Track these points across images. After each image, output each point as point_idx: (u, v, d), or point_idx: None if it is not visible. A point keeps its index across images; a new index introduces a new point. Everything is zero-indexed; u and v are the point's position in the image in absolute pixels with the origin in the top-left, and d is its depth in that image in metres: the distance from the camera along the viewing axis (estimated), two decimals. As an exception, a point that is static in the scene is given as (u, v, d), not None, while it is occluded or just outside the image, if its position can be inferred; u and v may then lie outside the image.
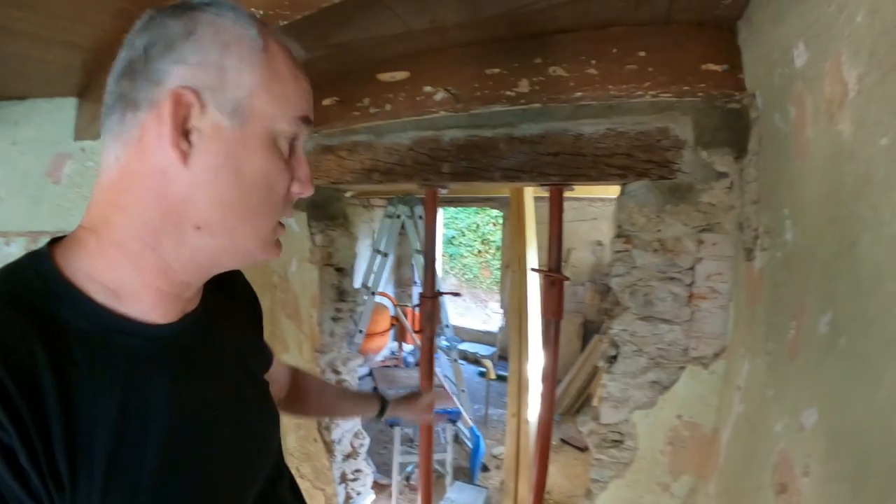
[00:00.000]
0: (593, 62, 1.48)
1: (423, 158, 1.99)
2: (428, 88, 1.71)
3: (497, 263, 14.44)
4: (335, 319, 2.54)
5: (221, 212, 0.65)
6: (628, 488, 1.82)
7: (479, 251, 15.01)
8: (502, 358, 8.42)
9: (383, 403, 1.44)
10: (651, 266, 1.67)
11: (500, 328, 9.00)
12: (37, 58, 1.80)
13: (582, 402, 6.18)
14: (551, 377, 2.17)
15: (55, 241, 0.67)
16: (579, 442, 5.55)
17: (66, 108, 2.36)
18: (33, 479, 0.53)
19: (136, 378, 0.64)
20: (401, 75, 1.77)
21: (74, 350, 0.60)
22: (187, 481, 0.67)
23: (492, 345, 9.12)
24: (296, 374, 1.26)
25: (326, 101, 1.99)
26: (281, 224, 0.73)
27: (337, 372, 2.63)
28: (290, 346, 2.64)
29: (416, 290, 9.44)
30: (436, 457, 5.05)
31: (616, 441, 1.81)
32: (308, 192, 0.74)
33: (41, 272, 0.63)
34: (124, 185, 0.65)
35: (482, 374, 7.34)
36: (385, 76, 1.80)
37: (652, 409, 1.74)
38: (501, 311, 9.39)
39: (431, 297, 2.26)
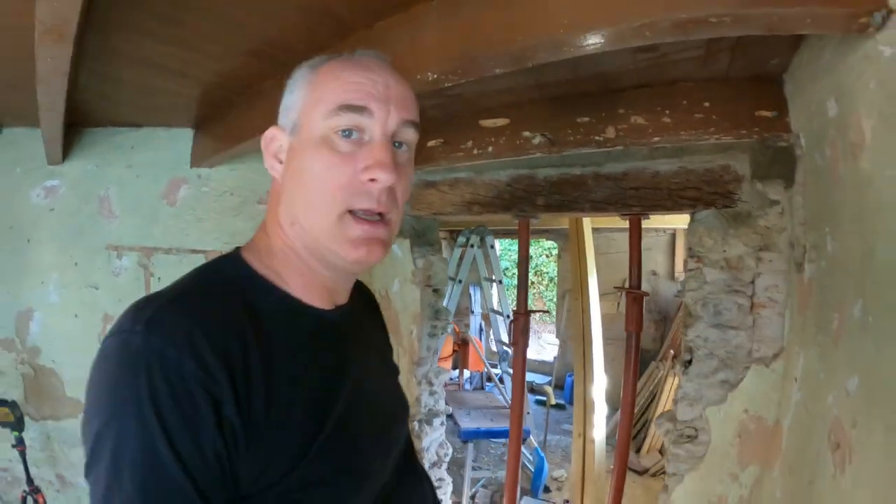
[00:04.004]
0: (667, 112, 1.80)
1: (519, 193, 2.34)
2: (526, 133, 2.05)
3: (550, 294, 14.54)
4: (431, 335, 2.88)
5: (298, 206, 0.80)
6: (702, 480, 2.00)
7: (533, 282, 15.13)
8: (557, 387, 8.50)
9: None
10: (719, 281, 1.93)
11: (555, 358, 9.05)
12: (155, 86, 2.00)
13: (639, 429, 6.27)
14: (631, 388, 2.40)
15: (238, 248, 0.86)
16: (637, 466, 5.66)
17: (182, 138, 2.63)
18: (235, 423, 0.66)
19: (313, 347, 0.81)
20: (501, 122, 2.12)
21: (268, 325, 0.75)
22: (352, 428, 0.82)
23: (547, 374, 9.18)
24: None
25: (431, 143, 2.33)
26: (362, 222, 0.78)
27: (430, 383, 2.95)
28: (389, 358, 2.94)
29: (473, 319, 9.63)
30: (499, 474, 5.28)
31: (690, 436, 2.02)
32: (380, 176, 0.76)
33: (238, 268, 0.81)
34: (269, 204, 0.88)
35: (539, 403, 7.47)
36: (487, 122, 2.15)
37: (722, 405, 1.95)
38: (557, 340, 9.49)
39: (524, 314, 2.61)
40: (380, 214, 0.80)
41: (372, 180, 0.77)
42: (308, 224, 0.80)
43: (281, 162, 0.85)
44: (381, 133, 0.78)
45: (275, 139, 0.86)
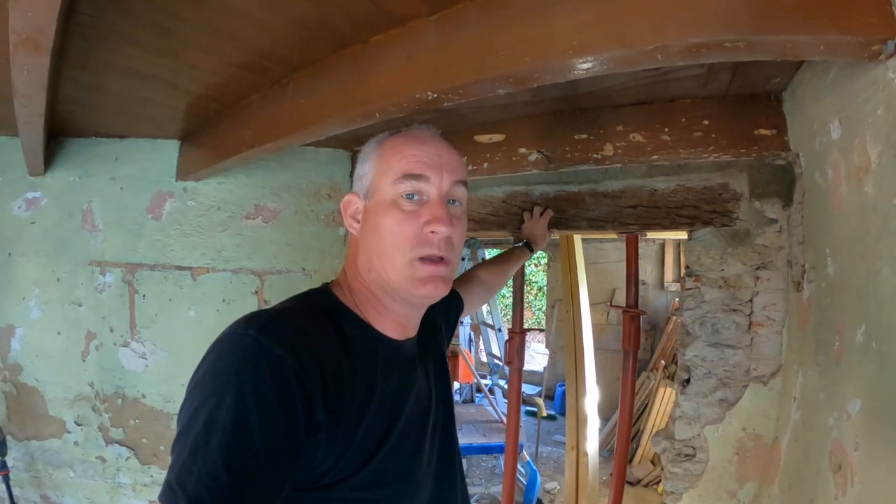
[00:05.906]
0: (667, 130, 1.80)
1: (514, 210, 2.31)
2: (523, 150, 2.04)
3: (539, 304, 14.54)
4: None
5: (375, 254, 0.97)
6: (700, 497, 2.01)
7: (521, 292, 15.06)
8: (547, 397, 8.45)
9: (529, 245, 2.07)
10: (717, 300, 1.94)
11: (545, 368, 8.98)
12: (142, 97, 1.94)
13: (630, 438, 6.25)
14: (629, 405, 2.40)
15: (327, 284, 1.05)
16: (630, 476, 5.65)
17: (167, 150, 2.53)
18: (321, 417, 0.78)
19: (387, 370, 0.96)
20: (497, 137, 2.10)
21: (352, 346, 0.90)
22: (411, 441, 0.98)
23: (538, 384, 9.11)
24: (478, 277, 1.80)
25: (424, 159, 2.33)
26: (427, 264, 0.95)
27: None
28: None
29: (463, 330, 9.57)
30: (492, 489, 5.24)
31: (689, 455, 2.02)
32: (438, 229, 0.94)
33: (330, 299, 0.99)
34: (348, 253, 1.06)
35: (530, 414, 7.43)
36: (483, 138, 2.13)
37: (720, 423, 1.96)
38: (547, 351, 9.45)
39: (520, 333, 2.59)
40: (441, 258, 0.95)
41: (433, 232, 0.94)
42: (384, 270, 0.96)
43: (358, 221, 1.02)
44: (437, 194, 0.96)
45: (352, 203, 1.04)
